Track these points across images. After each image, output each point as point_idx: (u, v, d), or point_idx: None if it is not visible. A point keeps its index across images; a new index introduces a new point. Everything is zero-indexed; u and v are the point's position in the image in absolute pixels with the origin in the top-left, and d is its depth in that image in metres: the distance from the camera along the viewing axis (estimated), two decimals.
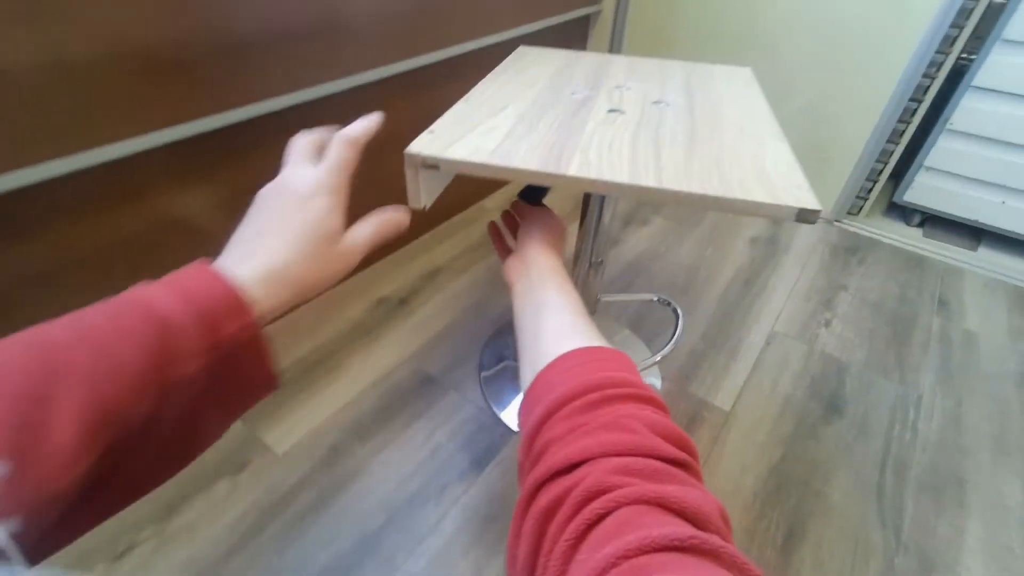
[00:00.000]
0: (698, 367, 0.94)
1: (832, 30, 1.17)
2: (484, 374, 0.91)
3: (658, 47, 1.42)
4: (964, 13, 1.06)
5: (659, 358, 0.81)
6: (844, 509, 0.73)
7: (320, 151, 0.36)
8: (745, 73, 0.72)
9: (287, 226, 0.31)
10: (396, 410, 0.83)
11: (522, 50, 0.80)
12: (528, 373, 0.36)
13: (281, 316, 0.31)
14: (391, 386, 0.87)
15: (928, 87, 1.16)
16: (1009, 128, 1.14)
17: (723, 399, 0.88)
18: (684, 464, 0.26)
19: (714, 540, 0.20)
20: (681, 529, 0.21)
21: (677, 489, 0.23)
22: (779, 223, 1.35)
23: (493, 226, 0.61)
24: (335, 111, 0.87)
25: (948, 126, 1.20)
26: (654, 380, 0.91)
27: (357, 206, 0.35)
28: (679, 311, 0.88)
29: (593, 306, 0.88)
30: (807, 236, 1.31)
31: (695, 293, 1.11)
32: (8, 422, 0.20)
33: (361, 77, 0.86)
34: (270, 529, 0.68)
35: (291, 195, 0.32)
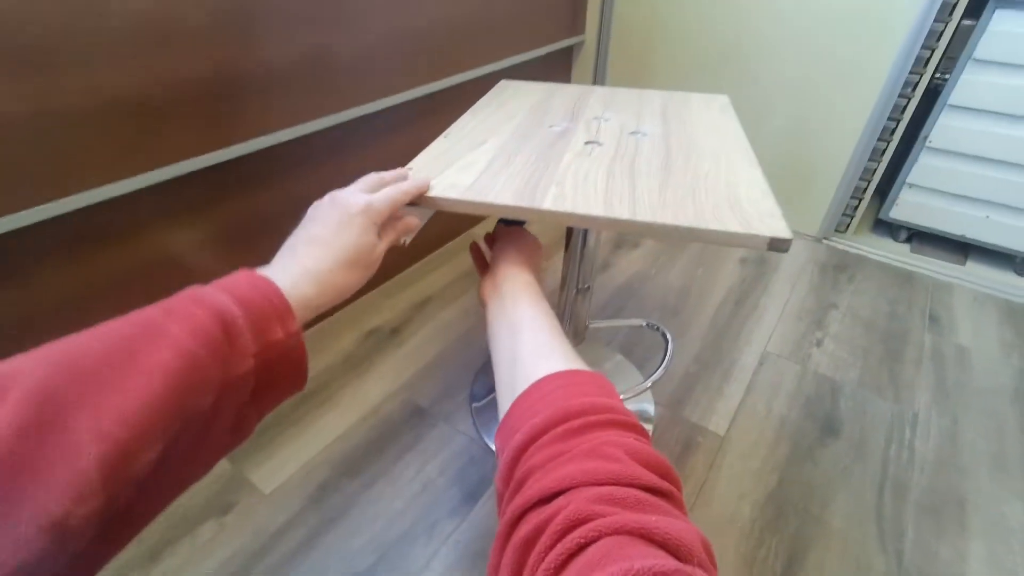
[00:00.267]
0: (691, 391, 0.93)
1: (809, 53, 1.20)
2: (475, 405, 0.90)
3: (641, 75, 1.45)
4: (934, 35, 1.09)
5: (649, 384, 0.80)
6: (844, 534, 0.72)
7: (376, 189, 0.43)
8: (722, 100, 0.74)
9: (333, 239, 0.37)
10: (386, 444, 0.82)
11: (503, 84, 0.81)
12: (505, 397, 0.35)
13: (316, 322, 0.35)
14: (381, 419, 0.86)
15: (905, 106, 1.18)
16: (986, 144, 1.16)
17: (717, 423, 0.87)
18: (666, 494, 0.26)
19: (698, 573, 0.20)
20: (664, 562, 0.20)
21: (660, 520, 0.23)
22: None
23: (475, 248, 0.61)
24: (320, 148, 0.89)
25: (927, 144, 1.23)
26: (647, 406, 0.90)
27: None
28: (668, 336, 0.87)
29: (582, 333, 0.87)
30: (796, 255, 1.32)
31: (687, 315, 1.11)
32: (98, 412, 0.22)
33: (347, 114, 0.87)
34: (256, 572, 0.66)
35: (342, 209, 0.38)
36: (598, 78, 1.52)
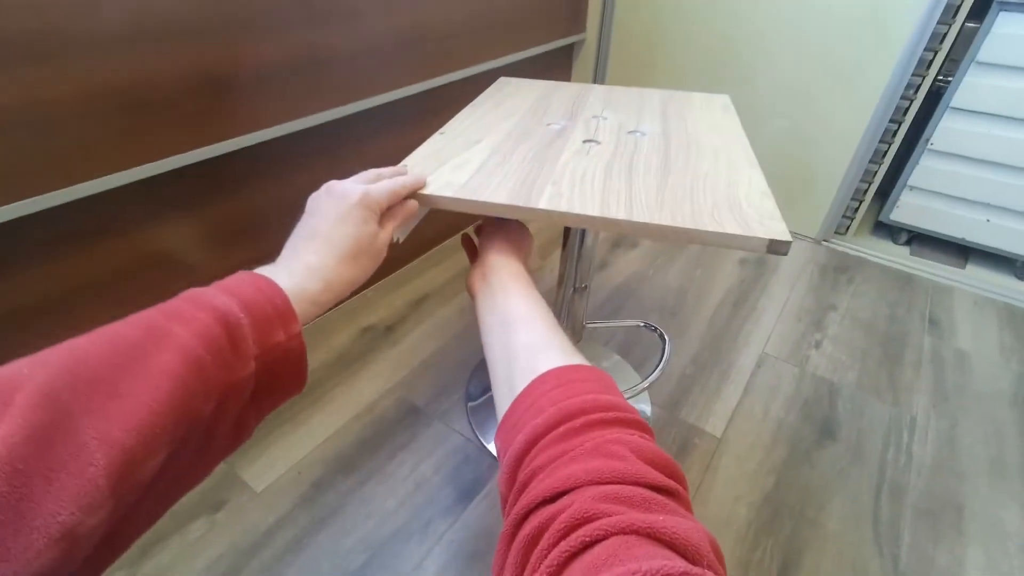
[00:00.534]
0: (688, 392, 0.92)
1: (811, 54, 1.19)
2: (471, 404, 0.89)
3: (641, 75, 1.44)
4: (938, 37, 1.08)
5: (647, 385, 0.80)
6: (840, 538, 0.71)
7: (372, 183, 0.42)
8: (723, 99, 0.73)
9: (334, 232, 0.37)
10: (380, 442, 0.82)
11: (502, 81, 0.80)
12: (503, 394, 0.35)
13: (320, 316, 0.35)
14: (375, 417, 0.86)
15: (907, 108, 1.17)
16: (988, 147, 1.15)
17: (714, 425, 0.86)
18: (673, 492, 0.26)
19: (707, 575, 0.20)
20: (672, 563, 0.20)
21: (667, 519, 0.22)
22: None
23: (466, 239, 0.60)
24: (315, 144, 0.88)
25: (929, 146, 1.22)
26: (644, 407, 0.89)
27: None
28: (666, 336, 0.87)
29: (579, 332, 0.87)
30: (796, 256, 1.31)
31: (685, 316, 1.10)
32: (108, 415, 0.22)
33: (343, 110, 0.86)
34: (247, 571, 0.65)
35: (339, 200, 0.38)
36: (598, 77, 1.52)
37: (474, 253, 0.57)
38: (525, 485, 0.28)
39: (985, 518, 0.74)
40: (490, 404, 0.89)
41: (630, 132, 0.60)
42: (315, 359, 0.95)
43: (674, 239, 0.42)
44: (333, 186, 0.40)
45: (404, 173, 0.47)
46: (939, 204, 1.27)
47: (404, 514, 0.72)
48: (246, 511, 0.72)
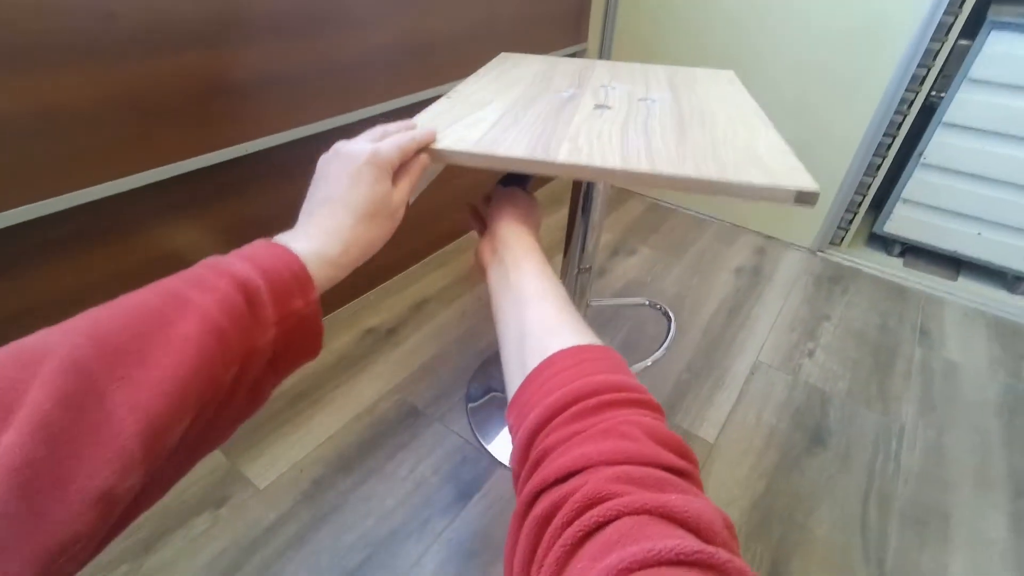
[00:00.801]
0: (683, 398, 0.94)
1: (806, 71, 1.22)
2: (471, 405, 0.91)
3: None
4: (931, 54, 1.10)
5: (650, 362, 0.80)
6: (828, 543, 0.73)
7: (381, 140, 0.41)
8: (728, 74, 0.72)
9: (347, 194, 0.36)
10: (380, 442, 0.83)
11: (504, 56, 0.80)
12: (515, 373, 0.35)
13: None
14: (376, 418, 0.87)
15: (901, 123, 1.20)
16: (980, 162, 1.18)
17: (707, 430, 0.88)
18: (684, 472, 0.26)
19: (721, 554, 0.20)
20: (686, 543, 0.20)
21: (680, 499, 0.23)
22: (764, 251, 1.38)
23: (473, 211, 0.58)
24: (321, 151, 0.90)
25: (922, 160, 1.24)
26: None
27: None
28: (671, 315, 0.87)
29: (583, 312, 0.87)
30: (791, 266, 1.34)
31: (681, 323, 1.12)
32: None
33: (348, 117, 0.89)
34: (248, 567, 0.67)
35: (348, 161, 0.37)
36: None
37: (480, 223, 0.55)
38: (537, 464, 0.28)
39: (970, 525, 0.76)
40: (490, 406, 0.90)
41: (640, 99, 0.59)
42: (318, 360, 0.96)
43: (699, 191, 0.40)
44: (341, 147, 0.39)
45: (413, 127, 0.45)
46: (932, 217, 1.30)
47: (403, 513, 0.74)
48: (248, 507, 0.73)
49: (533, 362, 0.33)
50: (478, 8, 1.07)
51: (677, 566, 0.19)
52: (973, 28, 1.09)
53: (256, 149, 0.77)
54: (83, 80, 0.58)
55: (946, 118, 1.18)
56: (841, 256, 1.38)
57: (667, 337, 0.80)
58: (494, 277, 0.43)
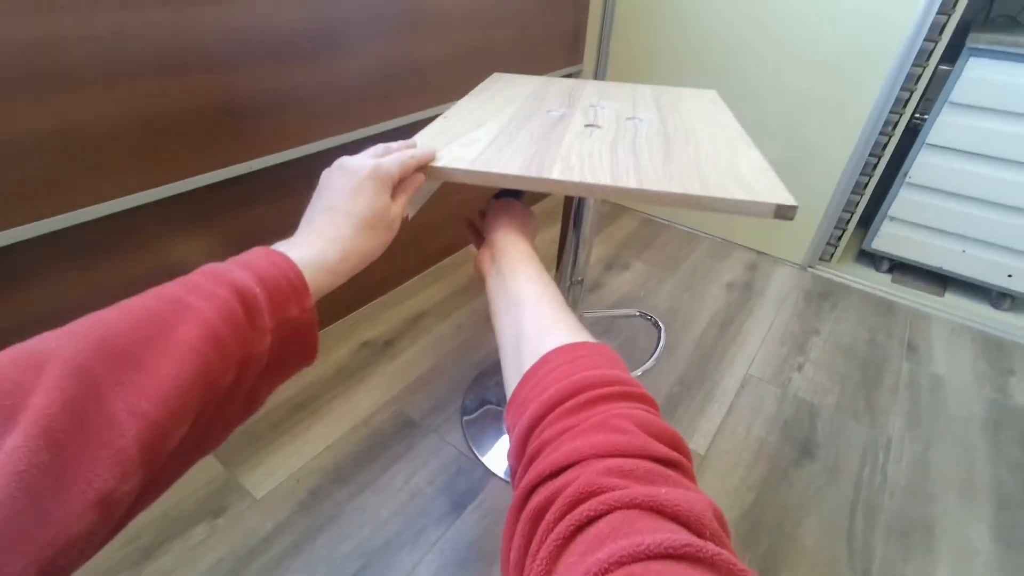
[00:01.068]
0: (674, 411, 0.96)
1: (795, 92, 1.26)
2: (466, 418, 0.92)
3: None
4: (913, 78, 1.15)
5: (640, 372, 0.82)
6: (815, 554, 0.74)
7: (383, 156, 0.43)
8: (711, 94, 0.76)
9: (349, 204, 0.38)
10: (376, 453, 0.85)
11: (496, 76, 0.83)
12: (512, 374, 0.35)
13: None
14: (373, 429, 0.89)
15: (886, 144, 1.24)
16: (962, 182, 1.21)
17: (698, 442, 0.90)
18: (677, 464, 0.26)
19: (709, 547, 0.20)
20: (676, 536, 0.20)
21: (671, 492, 0.23)
22: (755, 266, 1.41)
23: (470, 224, 0.60)
24: (324, 168, 0.93)
25: (907, 180, 1.28)
26: None
27: None
28: (661, 325, 0.89)
29: None
30: (781, 282, 1.36)
31: (673, 337, 1.14)
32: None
33: (349, 136, 0.92)
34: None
35: (351, 174, 0.39)
36: None
37: (477, 236, 0.57)
38: (533, 459, 0.28)
39: (954, 537, 0.78)
40: (485, 419, 0.92)
41: (628, 119, 0.61)
42: (315, 371, 0.99)
43: (684, 206, 0.43)
44: (345, 161, 0.40)
45: (413, 146, 0.48)
46: (918, 234, 1.33)
47: (398, 523, 0.75)
48: (246, 517, 0.74)
49: (529, 362, 0.33)
50: (475, 35, 1.11)
51: (666, 560, 0.19)
52: (953, 53, 1.14)
53: (262, 166, 0.80)
54: (97, 101, 0.61)
55: (929, 139, 1.22)
56: (831, 272, 1.41)
57: (657, 347, 0.82)
58: (492, 284, 0.44)
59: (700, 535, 0.21)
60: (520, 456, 0.30)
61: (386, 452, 0.85)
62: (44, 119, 0.57)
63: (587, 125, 0.58)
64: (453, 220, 1.25)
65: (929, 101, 1.21)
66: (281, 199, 0.89)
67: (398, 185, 0.42)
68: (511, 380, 0.35)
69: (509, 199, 0.57)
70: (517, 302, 0.40)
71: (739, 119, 0.65)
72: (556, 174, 0.45)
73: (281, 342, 0.31)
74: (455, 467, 0.83)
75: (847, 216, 1.35)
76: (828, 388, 1.03)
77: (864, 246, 1.42)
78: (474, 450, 0.86)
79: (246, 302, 0.29)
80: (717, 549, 0.20)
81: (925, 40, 1.09)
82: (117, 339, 0.24)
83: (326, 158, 0.43)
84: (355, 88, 0.90)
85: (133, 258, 0.73)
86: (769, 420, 0.95)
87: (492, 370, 1.02)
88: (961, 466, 0.89)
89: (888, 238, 1.37)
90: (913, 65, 1.12)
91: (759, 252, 1.48)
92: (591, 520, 0.22)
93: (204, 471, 0.80)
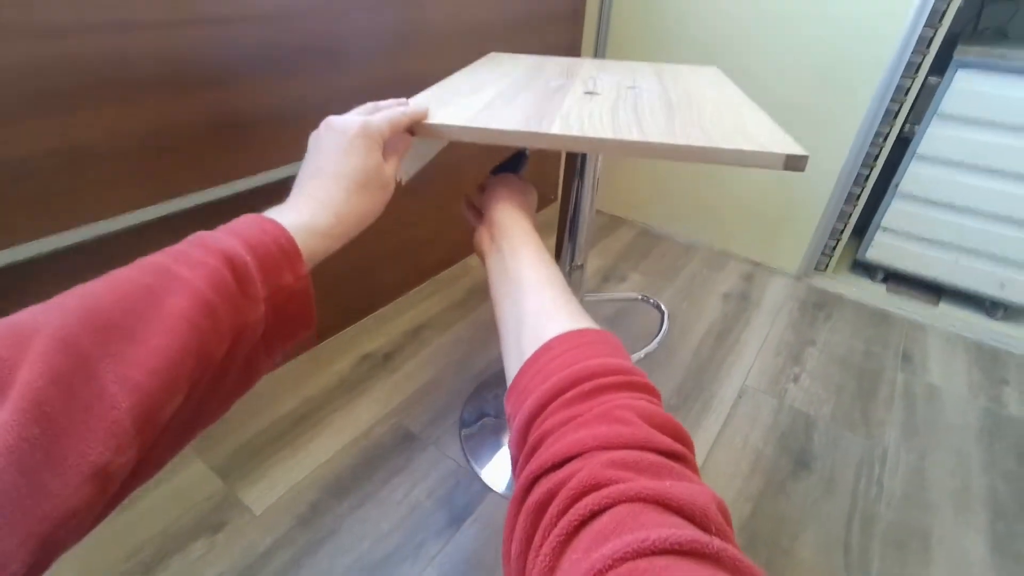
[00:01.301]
0: None
1: (787, 104, 1.28)
2: (465, 431, 0.93)
3: None
4: (902, 90, 1.17)
5: (643, 355, 0.81)
6: (812, 566, 0.75)
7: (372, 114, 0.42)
8: (712, 70, 0.76)
9: (339, 165, 0.36)
10: (376, 467, 0.85)
11: (493, 55, 0.84)
12: (513, 359, 0.35)
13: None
14: (372, 442, 0.89)
15: (877, 155, 1.25)
16: (953, 193, 1.23)
17: (695, 453, 0.90)
18: (680, 456, 0.26)
19: (715, 543, 0.20)
20: (681, 532, 0.20)
21: (675, 485, 0.22)
22: (751, 277, 1.42)
23: (468, 201, 0.57)
24: None
25: (899, 191, 1.30)
26: None
27: None
28: (664, 308, 0.89)
29: None
30: (776, 293, 1.37)
31: (670, 347, 1.15)
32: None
33: None
34: None
35: (339, 134, 0.38)
36: None
37: (476, 213, 0.55)
38: (535, 449, 0.28)
39: (950, 548, 0.78)
40: (483, 432, 0.93)
41: (629, 87, 0.60)
42: (315, 384, 0.99)
43: (689, 158, 0.41)
44: (332, 121, 0.39)
45: (404, 103, 0.46)
46: (911, 245, 1.34)
47: (398, 536, 0.75)
48: (245, 532, 0.75)
49: (530, 348, 0.33)
50: (471, 50, 1.13)
51: (671, 555, 0.19)
52: (942, 65, 1.16)
53: (265, 182, 0.81)
54: (99, 119, 0.62)
55: (919, 150, 1.24)
56: (826, 282, 1.43)
57: (660, 330, 0.81)
58: (492, 265, 0.43)
59: (705, 529, 0.21)
60: (521, 445, 0.30)
61: (386, 465, 0.85)
62: (47, 138, 0.58)
63: (587, 92, 0.56)
64: (450, 232, 1.27)
65: (919, 113, 1.23)
66: None
67: (389, 145, 0.41)
68: (512, 365, 0.34)
69: (507, 174, 0.55)
70: (518, 286, 0.39)
71: None
72: (556, 128, 0.43)
73: (276, 310, 0.31)
74: (454, 480, 0.84)
75: (841, 227, 1.36)
76: (824, 399, 1.04)
77: (858, 256, 1.43)
78: (472, 463, 0.87)
79: (236, 270, 0.28)
80: (723, 544, 0.20)
81: (913, 53, 1.11)
82: (104, 311, 0.24)
83: None
84: (357, 101, 0.91)
85: None
86: (766, 431, 0.96)
87: (491, 382, 1.03)
88: (956, 476, 0.90)
89: (882, 248, 1.39)
90: (902, 77, 1.14)
91: (755, 263, 1.49)
92: (595, 514, 0.22)
93: (203, 486, 0.80)
